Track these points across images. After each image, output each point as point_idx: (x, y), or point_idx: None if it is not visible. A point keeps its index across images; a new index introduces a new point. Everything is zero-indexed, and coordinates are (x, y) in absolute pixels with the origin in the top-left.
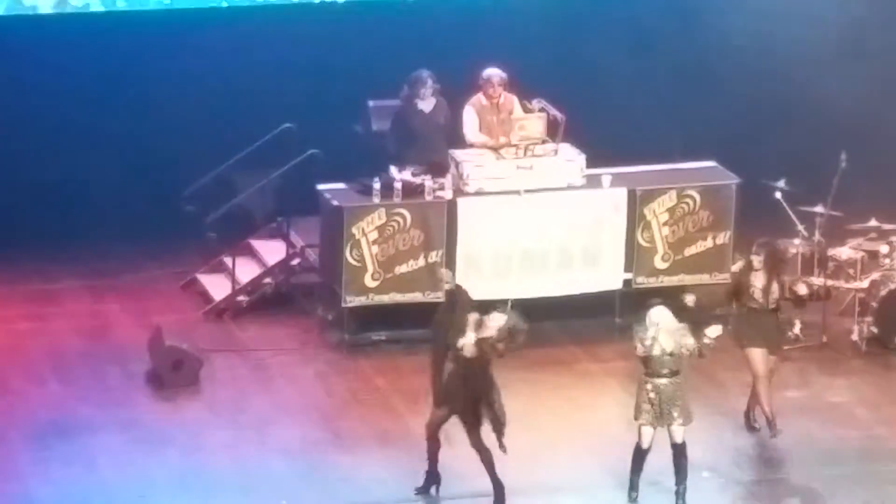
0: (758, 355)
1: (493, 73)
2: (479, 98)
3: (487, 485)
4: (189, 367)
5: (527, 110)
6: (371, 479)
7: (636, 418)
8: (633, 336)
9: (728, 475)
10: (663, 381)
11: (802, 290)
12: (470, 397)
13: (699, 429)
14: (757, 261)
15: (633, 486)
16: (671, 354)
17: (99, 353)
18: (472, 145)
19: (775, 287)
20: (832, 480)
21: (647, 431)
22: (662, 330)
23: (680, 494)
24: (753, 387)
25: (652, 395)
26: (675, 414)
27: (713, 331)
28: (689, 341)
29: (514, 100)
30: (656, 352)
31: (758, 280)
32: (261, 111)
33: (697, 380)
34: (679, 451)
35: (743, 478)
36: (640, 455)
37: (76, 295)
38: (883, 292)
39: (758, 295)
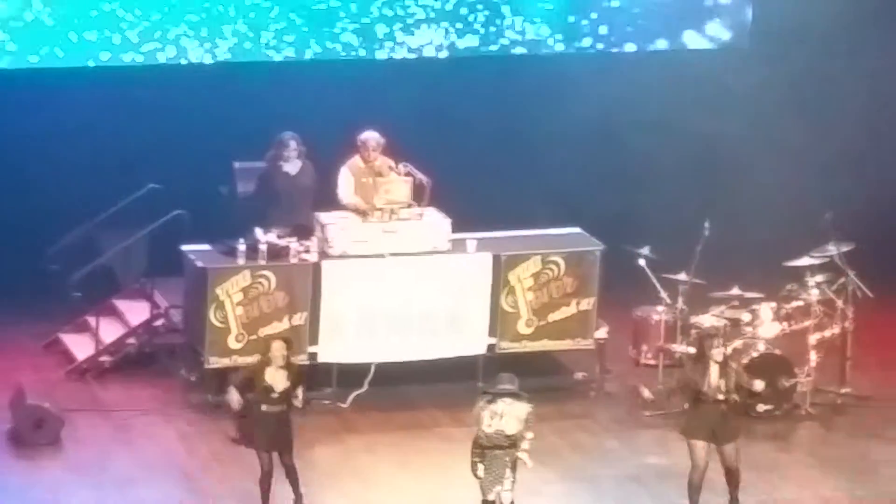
0: (696, 447)
1: (370, 136)
2: (356, 160)
3: None
4: (51, 426)
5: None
6: None
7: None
8: (478, 411)
9: None
10: (498, 451)
11: (759, 386)
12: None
13: (560, 493)
14: (718, 353)
15: None
16: (509, 437)
17: None
18: (345, 207)
19: (722, 379)
20: None
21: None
22: (507, 416)
23: None
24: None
25: (480, 466)
26: (505, 480)
27: (524, 456)
28: (528, 436)
29: (390, 163)
30: (496, 432)
31: (709, 372)
32: (127, 171)
33: (558, 444)
34: None
35: None
36: None
37: None
38: (745, 360)
39: (706, 387)
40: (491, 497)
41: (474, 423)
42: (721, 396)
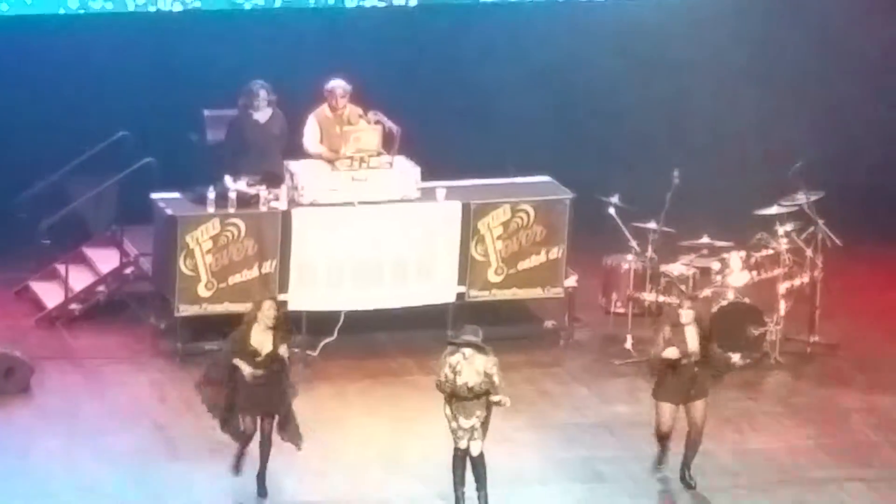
0: (663, 409)
1: (337, 84)
2: (323, 109)
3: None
4: (21, 374)
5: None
6: (203, 489)
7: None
8: (441, 361)
9: (558, 486)
10: (465, 402)
11: (736, 358)
12: (271, 398)
13: (529, 442)
14: (686, 315)
15: (458, 500)
16: (471, 389)
17: None
18: (310, 156)
19: (695, 344)
20: (660, 494)
21: (462, 441)
22: (466, 367)
23: (482, 498)
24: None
25: (451, 416)
26: (476, 429)
27: (498, 398)
28: (495, 395)
29: (359, 112)
30: (458, 384)
31: (678, 334)
32: (97, 119)
33: (528, 392)
34: (477, 462)
35: (573, 490)
36: (457, 463)
37: None
38: (714, 309)
39: (686, 352)
40: (462, 445)
41: (439, 385)
42: (695, 358)
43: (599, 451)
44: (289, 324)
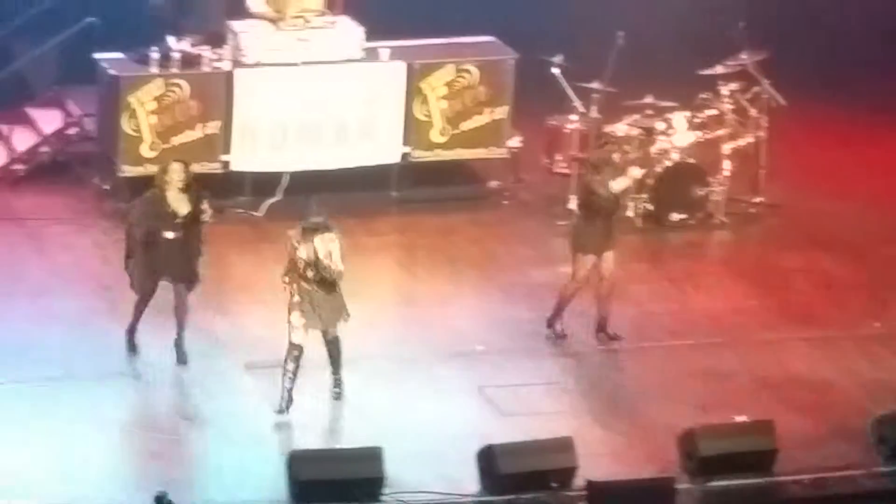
0: (585, 262)
1: None
2: None
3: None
4: None
5: None
6: (146, 349)
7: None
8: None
9: (500, 348)
10: (308, 285)
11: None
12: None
13: (473, 304)
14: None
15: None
16: (308, 264)
17: None
18: (254, 16)
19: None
20: (606, 355)
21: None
22: (304, 243)
23: (337, 382)
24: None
25: (296, 297)
26: (322, 317)
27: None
28: (332, 264)
29: None
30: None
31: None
32: None
33: (472, 253)
34: (331, 345)
35: (516, 351)
36: (291, 355)
37: None
38: (658, 169)
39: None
40: (297, 341)
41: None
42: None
43: (543, 311)
44: (199, 184)
